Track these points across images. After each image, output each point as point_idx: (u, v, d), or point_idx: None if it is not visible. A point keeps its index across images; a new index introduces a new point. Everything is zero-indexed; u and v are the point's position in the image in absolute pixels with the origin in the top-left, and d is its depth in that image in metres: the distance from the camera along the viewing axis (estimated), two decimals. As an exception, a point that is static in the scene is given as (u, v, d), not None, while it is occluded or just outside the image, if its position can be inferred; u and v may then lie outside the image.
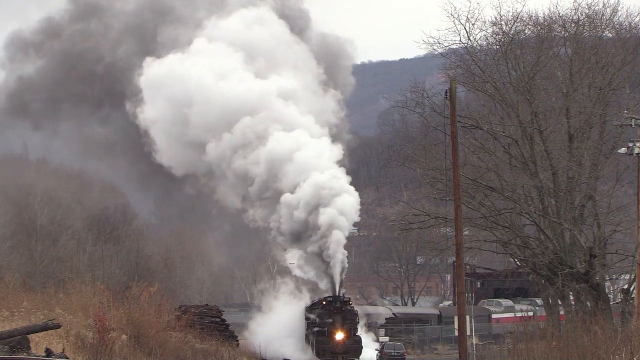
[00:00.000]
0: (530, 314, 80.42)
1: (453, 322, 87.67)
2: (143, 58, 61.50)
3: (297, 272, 59.20)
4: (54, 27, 67.62)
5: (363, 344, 53.40)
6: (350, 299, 54.50)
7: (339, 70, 66.16)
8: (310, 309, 56.26)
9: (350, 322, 52.34)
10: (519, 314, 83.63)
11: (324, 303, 52.65)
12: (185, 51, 60.63)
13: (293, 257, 58.02)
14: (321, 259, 53.40)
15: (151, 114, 60.15)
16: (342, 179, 53.15)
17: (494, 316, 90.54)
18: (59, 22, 67.54)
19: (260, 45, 60.65)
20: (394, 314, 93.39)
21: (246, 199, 57.70)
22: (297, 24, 65.39)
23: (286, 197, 53.74)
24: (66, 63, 66.51)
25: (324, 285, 56.01)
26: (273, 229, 55.70)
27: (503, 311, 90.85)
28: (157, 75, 59.99)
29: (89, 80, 66.54)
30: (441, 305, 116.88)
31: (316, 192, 52.54)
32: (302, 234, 54.09)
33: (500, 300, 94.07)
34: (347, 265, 53.53)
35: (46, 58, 67.24)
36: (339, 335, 51.89)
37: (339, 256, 52.30)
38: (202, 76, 58.23)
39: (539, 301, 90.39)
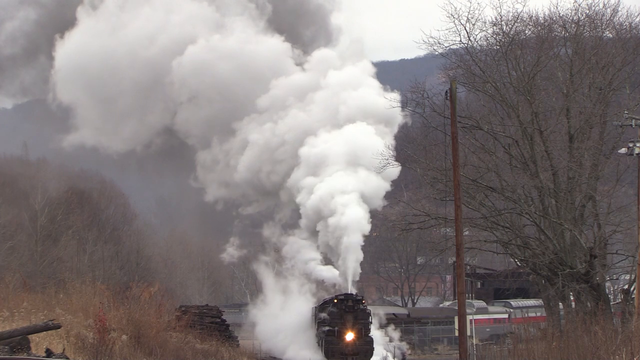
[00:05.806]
0: (504, 315, 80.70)
1: (422, 323, 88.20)
2: None
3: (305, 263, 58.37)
4: None
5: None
6: (363, 297, 53.46)
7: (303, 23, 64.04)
8: (321, 307, 54.88)
9: (362, 322, 51.13)
10: (493, 316, 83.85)
11: (335, 301, 51.58)
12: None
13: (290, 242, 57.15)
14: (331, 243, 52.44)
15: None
16: None
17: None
18: None
19: None
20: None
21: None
22: None
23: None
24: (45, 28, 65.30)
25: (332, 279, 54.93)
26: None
27: (475, 312, 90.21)
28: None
29: None
30: (441, 305, 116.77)
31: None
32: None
33: (473, 302, 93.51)
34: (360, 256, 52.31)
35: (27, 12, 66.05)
36: (349, 336, 50.79)
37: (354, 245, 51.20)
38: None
39: (514, 303, 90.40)
